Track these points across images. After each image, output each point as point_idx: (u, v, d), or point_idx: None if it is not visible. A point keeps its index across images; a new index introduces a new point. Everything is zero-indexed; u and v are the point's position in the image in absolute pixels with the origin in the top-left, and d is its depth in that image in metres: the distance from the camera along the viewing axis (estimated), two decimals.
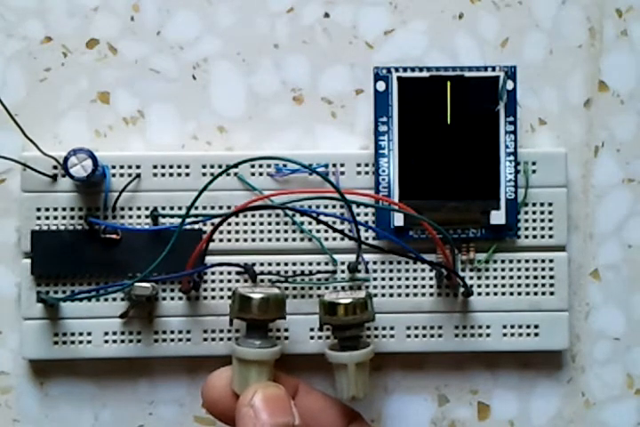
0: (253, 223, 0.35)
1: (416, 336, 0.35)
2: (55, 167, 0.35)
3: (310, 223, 0.35)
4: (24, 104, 0.36)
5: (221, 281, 0.35)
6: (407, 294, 0.36)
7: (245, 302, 0.32)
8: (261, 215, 0.35)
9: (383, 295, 0.35)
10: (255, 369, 0.32)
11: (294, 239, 0.35)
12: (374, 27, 0.37)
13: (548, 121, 0.37)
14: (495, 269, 0.36)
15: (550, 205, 0.36)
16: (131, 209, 0.35)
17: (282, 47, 0.37)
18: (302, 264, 0.35)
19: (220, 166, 0.35)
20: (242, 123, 0.37)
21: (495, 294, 0.36)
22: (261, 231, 0.35)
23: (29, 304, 0.35)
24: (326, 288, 0.35)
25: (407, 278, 0.36)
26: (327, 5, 0.37)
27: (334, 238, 0.35)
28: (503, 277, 0.36)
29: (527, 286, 0.36)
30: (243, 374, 0.32)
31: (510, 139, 0.35)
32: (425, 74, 0.35)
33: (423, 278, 0.36)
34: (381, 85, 0.35)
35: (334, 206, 0.35)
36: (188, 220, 0.34)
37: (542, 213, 0.36)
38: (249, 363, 0.32)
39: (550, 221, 0.36)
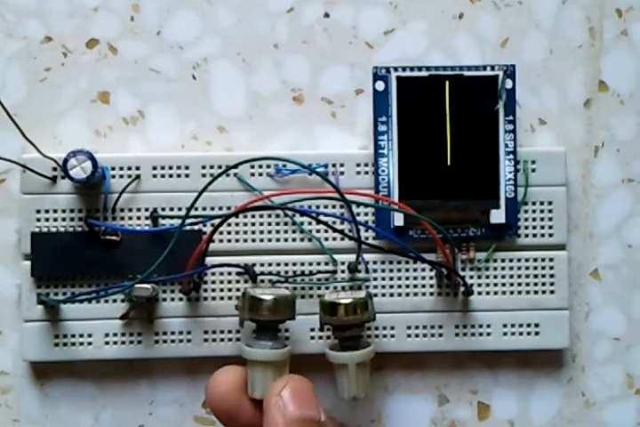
0: (253, 224, 0.35)
1: (416, 336, 0.36)
2: (55, 169, 0.35)
3: (310, 223, 0.35)
4: (24, 104, 0.36)
5: (222, 282, 0.35)
6: (407, 294, 0.36)
7: (256, 303, 0.32)
8: (261, 216, 0.35)
9: (383, 295, 0.35)
10: (271, 370, 0.32)
11: (294, 239, 0.35)
12: (374, 27, 0.37)
13: (548, 121, 0.37)
14: (495, 269, 0.36)
15: (550, 203, 0.36)
16: (131, 210, 0.35)
17: (282, 47, 0.37)
18: (302, 264, 0.35)
19: (219, 167, 0.35)
20: (242, 123, 0.37)
21: (495, 293, 0.36)
22: (261, 232, 0.35)
23: (30, 306, 0.35)
24: (326, 288, 0.35)
25: (407, 278, 0.36)
26: (327, 5, 0.37)
27: (334, 238, 0.35)
28: (503, 277, 0.36)
29: (527, 284, 0.36)
30: (258, 376, 0.32)
31: (510, 138, 0.35)
32: (424, 73, 0.35)
33: (423, 278, 0.36)
34: (380, 85, 0.35)
35: (334, 206, 0.35)
36: (188, 221, 0.34)
37: (542, 211, 0.36)
38: (265, 364, 0.32)
39: (550, 219, 0.36)
